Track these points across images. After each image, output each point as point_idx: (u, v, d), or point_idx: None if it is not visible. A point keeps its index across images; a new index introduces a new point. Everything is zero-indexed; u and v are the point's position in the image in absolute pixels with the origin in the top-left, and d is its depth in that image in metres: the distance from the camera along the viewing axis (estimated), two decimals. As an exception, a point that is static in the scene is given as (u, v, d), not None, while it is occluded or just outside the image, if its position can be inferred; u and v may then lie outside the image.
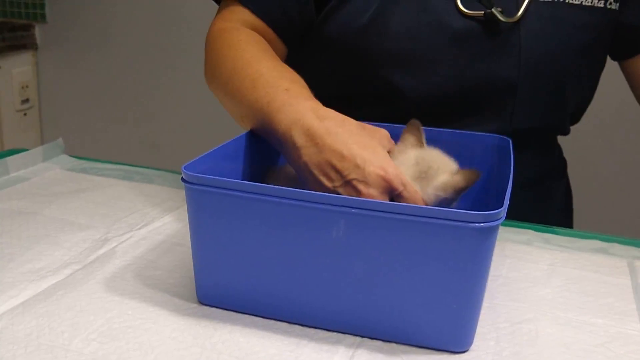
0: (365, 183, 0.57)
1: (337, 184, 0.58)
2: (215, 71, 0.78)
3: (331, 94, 0.75)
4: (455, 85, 0.83)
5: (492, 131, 0.78)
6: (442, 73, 0.82)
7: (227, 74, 0.75)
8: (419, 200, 0.59)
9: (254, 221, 0.55)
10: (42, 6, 2.31)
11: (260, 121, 0.67)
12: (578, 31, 0.83)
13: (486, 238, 0.51)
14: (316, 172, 0.59)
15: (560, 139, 0.97)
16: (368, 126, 0.63)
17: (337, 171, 0.58)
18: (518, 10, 0.81)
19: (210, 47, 0.81)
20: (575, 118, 0.94)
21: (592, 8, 0.83)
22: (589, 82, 0.91)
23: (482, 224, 0.50)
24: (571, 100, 0.89)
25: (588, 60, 0.87)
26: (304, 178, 0.62)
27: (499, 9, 0.80)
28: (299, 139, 0.61)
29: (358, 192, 0.58)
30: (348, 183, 0.58)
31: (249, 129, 0.70)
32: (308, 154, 0.60)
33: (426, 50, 0.81)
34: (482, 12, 0.80)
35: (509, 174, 0.61)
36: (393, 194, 0.58)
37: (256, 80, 0.70)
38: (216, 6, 0.89)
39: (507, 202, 0.53)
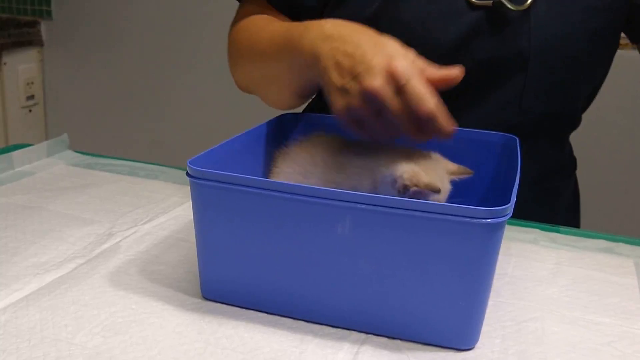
0: (369, 74, 0.59)
1: (346, 80, 0.61)
2: (236, 53, 0.85)
3: None
4: (465, 68, 0.82)
5: (502, 115, 0.76)
6: (452, 57, 0.81)
7: (247, 45, 0.82)
8: (426, 98, 0.58)
9: (258, 216, 0.55)
10: (48, 3, 2.32)
11: (290, 55, 0.71)
12: (589, 13, 0.82)
13: (493, 234, 0.51)
14: (331, 70, 0.63)
15: (569, 138, 0.96)
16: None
17: (348, 69, 0.61)
18: None
19: (229, 42, 0.88)
20: (585, 104, 0.93)
21: None
22: (600, 65, 0.89)
23: (489, 220, 0.50)
24: (582, 84, 0.88)
25: (599, 43, 0.86)
26: (326, 85, 0.64)
27: None
28: (320, 47, 0.65)
29: (360, 84, 0.59)
30: (356, 78, 0.60)
31: (290, 84, 0.76)
32: (326, 57, 0.64)
33: (435, 37, 0.81)
34: (491, 2, 0.80)
35: (516, 173, 0.61)
36: (398, 86, 0.59)
37: (273, 34, 0.76)
38: (228, 6, 0.90)
39: (514, 198, 0.53)
